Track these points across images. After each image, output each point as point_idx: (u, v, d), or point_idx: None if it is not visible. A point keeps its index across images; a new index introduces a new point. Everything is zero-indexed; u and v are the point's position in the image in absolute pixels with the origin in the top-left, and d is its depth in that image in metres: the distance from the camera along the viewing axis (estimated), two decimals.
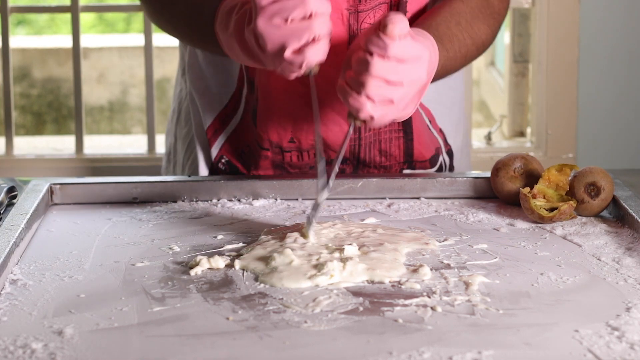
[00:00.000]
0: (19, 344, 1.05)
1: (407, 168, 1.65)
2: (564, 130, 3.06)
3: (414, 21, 1.54)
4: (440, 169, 1.68)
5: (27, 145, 3.47)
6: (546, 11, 3.01)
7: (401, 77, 1.29)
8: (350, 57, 1.32)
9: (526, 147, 3.15)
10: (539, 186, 1.46)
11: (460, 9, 1.56)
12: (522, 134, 3.33)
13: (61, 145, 3.44)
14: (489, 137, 3.23)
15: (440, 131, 1.68)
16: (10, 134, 3.12)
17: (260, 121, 1.60)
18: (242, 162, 1.65)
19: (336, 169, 1.34)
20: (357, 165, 1.63)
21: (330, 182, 1.34)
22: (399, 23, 1.28)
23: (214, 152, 1.65)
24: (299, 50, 1.30)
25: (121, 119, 4.54)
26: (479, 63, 3.99)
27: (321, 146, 1.37)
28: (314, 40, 1.30)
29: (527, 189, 1.45)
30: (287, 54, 1.31)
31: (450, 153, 1.70)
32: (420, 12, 1.59)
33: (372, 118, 1.31)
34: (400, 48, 1.28)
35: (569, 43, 3.01)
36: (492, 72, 3.87)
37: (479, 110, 4.26)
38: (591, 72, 3.03)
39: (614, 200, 1.46)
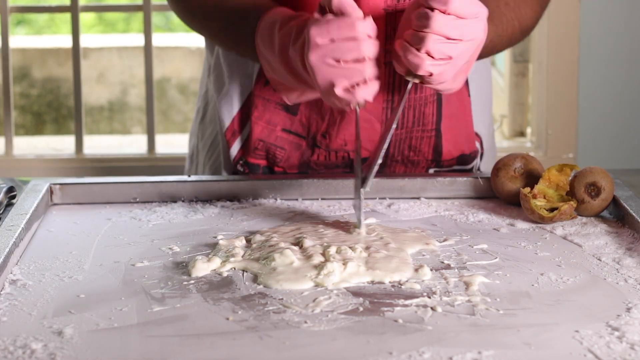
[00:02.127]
0: (19, 344, 1.05)
1: (435, 167, 1.64)
2: (564, 130, 3.06)
3: None
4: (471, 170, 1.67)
5: (26, 145, 3.46)
6: (546, 11, 3.01)
7: (461, 33, 1.32)
8: (409, 15, 1.35)
9: (526, 147, 3.15)
10: (539, 186, 1.46)
11: None
12: (522, 134, 3.32)
13: (61, 145, 3.44)
14: None
15: (477, 134, 1.68)
16: (10, 134, 3.12)
17: (302, 107, 1.60)
18: (263, 158, 1.63)
19: (376, 167, 1.36)
20: (384, 161, 1.62)
21: (370, 181, 1.36)
22: None
23: (233, 153, 1.64)
24: (349, 90, 1.33)
25: (121, 119, 4.54)
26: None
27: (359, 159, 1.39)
28: (364, 82, 1.33)
29: (528, 189, 1.45)
30: (338, 91, 1.33)
31: (481, 156, 1.70)
32: None
33: (430, 74, 1.33)
34: (460, 3, 1.31)
35: (569, 43, 3.01)
36: (492, 72, 3.87)
37: None
38: (591, 72, 3.03)
39: (614, 201, 1.46)
